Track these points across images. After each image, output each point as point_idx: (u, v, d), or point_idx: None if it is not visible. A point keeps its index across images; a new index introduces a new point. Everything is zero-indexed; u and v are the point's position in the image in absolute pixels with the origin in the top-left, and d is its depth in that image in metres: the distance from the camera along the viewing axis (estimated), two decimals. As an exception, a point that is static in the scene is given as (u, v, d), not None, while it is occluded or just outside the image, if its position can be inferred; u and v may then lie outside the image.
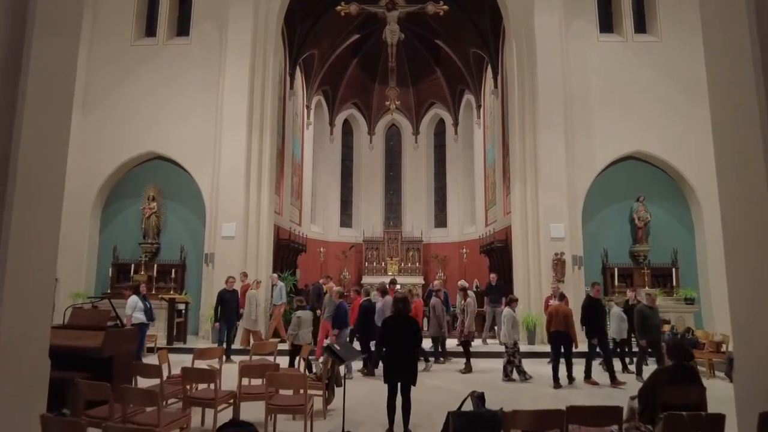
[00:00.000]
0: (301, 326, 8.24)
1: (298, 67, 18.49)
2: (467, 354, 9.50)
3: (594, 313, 8.67)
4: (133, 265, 13.07)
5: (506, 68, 15.29)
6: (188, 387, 5.60)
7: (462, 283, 11.45)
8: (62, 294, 12.76)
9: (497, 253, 16.17)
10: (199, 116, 13.38)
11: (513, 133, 13.75)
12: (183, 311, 12.02)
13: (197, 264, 13.21)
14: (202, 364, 7.03)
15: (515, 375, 8.59)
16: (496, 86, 17.35)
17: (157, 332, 11.36)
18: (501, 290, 12.31)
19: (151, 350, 10.67)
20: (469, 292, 10.49)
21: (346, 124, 23.72)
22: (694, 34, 13.53)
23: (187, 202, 13.62)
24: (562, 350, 8.28)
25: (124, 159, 13.52)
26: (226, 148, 12.83)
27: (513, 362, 8.60)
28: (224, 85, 13.15)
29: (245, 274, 11.76)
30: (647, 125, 13.13)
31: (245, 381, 5.79)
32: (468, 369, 9.27)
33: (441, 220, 23.05)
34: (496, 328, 12.02)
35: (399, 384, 5.32)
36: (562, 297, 9.67)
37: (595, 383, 8.34)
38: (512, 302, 9.10)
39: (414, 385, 5.35)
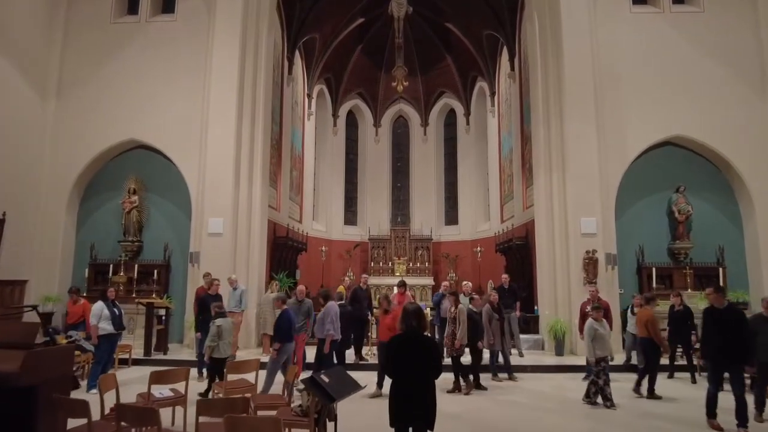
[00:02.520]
0: (221, 336, 7.01)
1: (297, 52, 17.11)
2: (456, 370, 7.94)
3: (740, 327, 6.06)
4: (111, 266, 11.79)
5: (526, 48, 13.81)
6: (131, 427, 4.22)
7: (446, 284, 10.12)
8: (33, 298, 11.52)
9: (516, 251, 14.72)
10: (185, 100, 12.07)
11: (535, 118, 12.26)
12: (163, 317, 10.65)
13: (183, 264, 11.91)
14: (164, 389, 5.71)
15: (599, 398, 7.04)
16: (512, 69, 15.86)
17: (134, 342, 10.08)
18: (514, 293, 10.85)
19: (124, 363, 9.38)
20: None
21: (351, 115, 22.37)
22: (741, 2, 12.16)
23: (171, 196, 12.29)
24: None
25: (103, 148, 12.19)
26: (214, 135, 11.47)
27: (597, 383, 7.02)
28: (212, 66, 11.78)
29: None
30: (687, 107, 11.66)
31: (207, 418, 4.38)
32: (458, 387, 7.83)
33: (452, 218, 21.65)
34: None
35: (410, 428, 3.86)
36: (649, 300, 8.14)
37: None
38: (594, 310, 7.29)
39: (431, 430, 3.87)
